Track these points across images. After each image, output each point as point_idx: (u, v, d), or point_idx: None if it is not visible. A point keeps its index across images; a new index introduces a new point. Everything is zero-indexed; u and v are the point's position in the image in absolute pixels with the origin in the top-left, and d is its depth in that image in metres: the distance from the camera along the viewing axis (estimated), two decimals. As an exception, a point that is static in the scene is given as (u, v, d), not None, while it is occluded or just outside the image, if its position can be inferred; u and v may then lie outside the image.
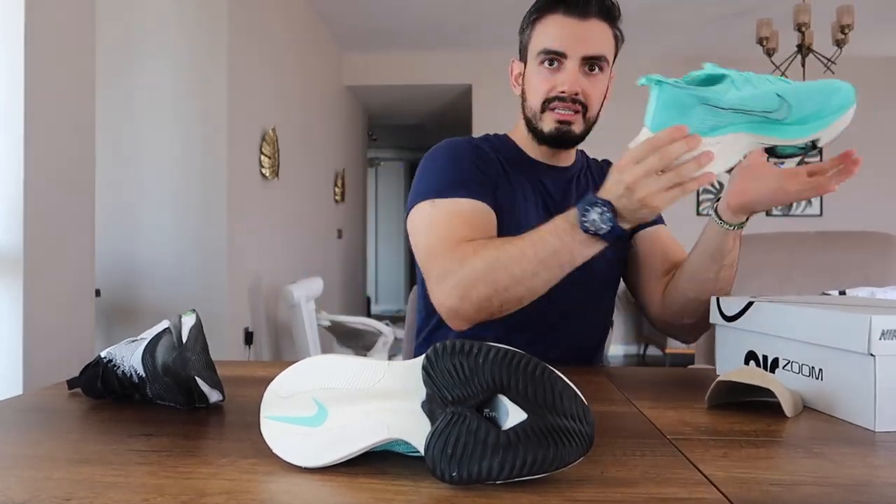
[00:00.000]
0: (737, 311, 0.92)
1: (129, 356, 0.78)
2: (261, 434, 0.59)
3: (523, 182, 1.19)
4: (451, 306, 0.97)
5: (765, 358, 0.87)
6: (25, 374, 1.56)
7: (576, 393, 0.53)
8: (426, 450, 0.52)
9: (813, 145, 0.81)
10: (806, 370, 0.80)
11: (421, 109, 7.27)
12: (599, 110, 1.17)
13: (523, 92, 1.18)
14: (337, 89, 5.74)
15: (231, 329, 3.16)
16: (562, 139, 1.14)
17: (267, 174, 3.61)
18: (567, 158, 1.25)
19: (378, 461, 0.57)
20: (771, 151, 0.82)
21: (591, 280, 1.15)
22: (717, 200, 1.04)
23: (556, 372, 0.53)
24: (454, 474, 0.51)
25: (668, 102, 0.78)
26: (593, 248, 0.89)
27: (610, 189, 0.83)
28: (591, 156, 1.36)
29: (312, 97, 4.79)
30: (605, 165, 1.33)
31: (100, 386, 0.79)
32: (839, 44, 4.22)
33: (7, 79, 1.56)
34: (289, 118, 4.10)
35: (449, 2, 4.68)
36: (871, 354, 0.70)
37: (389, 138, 9.08)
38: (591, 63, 1.11)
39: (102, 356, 0.80)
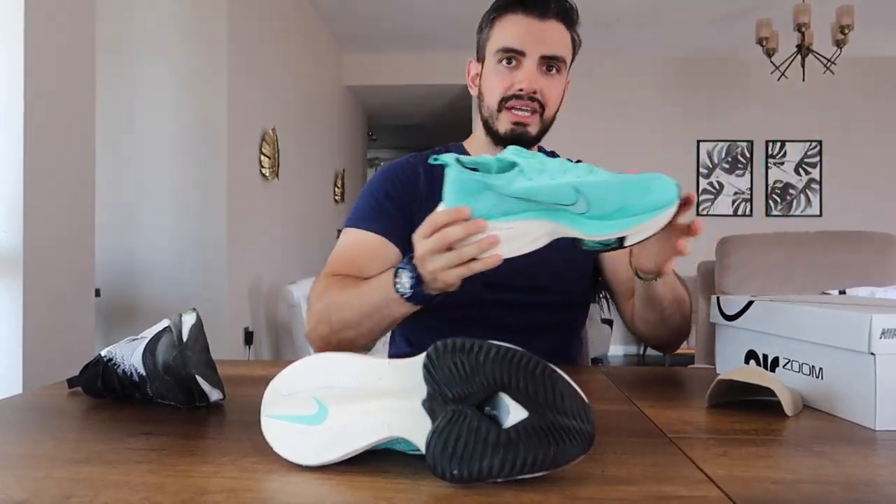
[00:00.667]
0: (737, 310, 0.92)
1: (129, 355, 0.78)
2: (261, 433, 0.59)
3: None
4: (306, 333, 1.06)
5: (765, 357, 0.87)
6: (25, 373, 1.56)
7: (577, 391, 0.53)
8: (427, 448, 0.52)
9: (620, 243, 0.75)
10: (806, 369, 0.80)
11: (421, 109, 7.28)
12: (556, 112, 1.16)
13: (480, 93, 1.17)
14: (337, 89, 5.74)
15: (231, 329, 3.16)
16: (517, 140, 1.12)
17: (267, 174, 3.61)
18: None
19: (379, 460, 0.57)
20: (576, 240, 0.77)
21: (557, 297, 1.18)
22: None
23: (558, 370, 0.53)
24: (455, 472, 0.51)
25: (458, 184, 0.75)
26: (407, 307, 0.89)
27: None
28: (571, 158, 1.34)
29: (312, 97, 4.79)
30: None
31: (100, 385, 0.79)
32: (839, 44, 4.22)
33: (7, 78, 1.56)
34: (289, 118, 4.10)
35: (449, 2, 4.68)
36: (872, 353, 0.70)
37: (389, 138, 9.08)
38: (549, 63, 1.11)
39: (103, 355, 0.80)
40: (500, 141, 1.14)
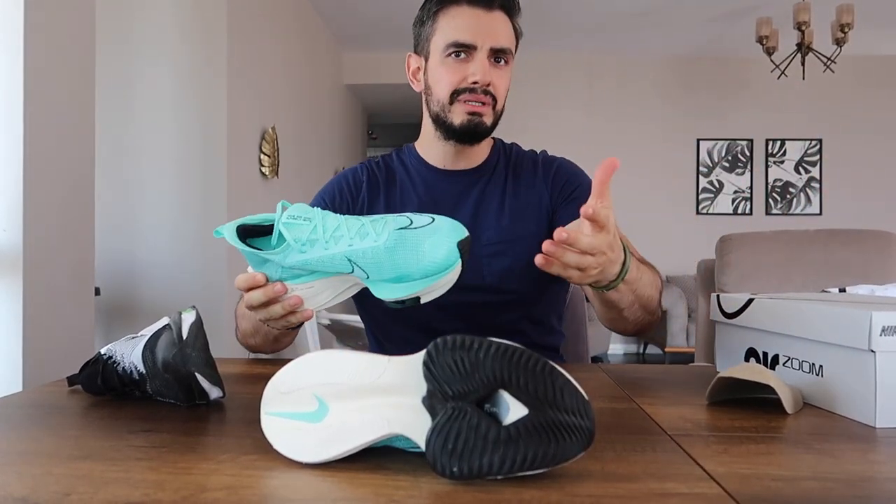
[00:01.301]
0: (737, 308, 0.92)
1: (129, 353, 0.78)
2: (261, 430, 0.59)
3: (412, 198, 1.19)
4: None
5: (765, 354, 0.87)
6: (25, 371, 1.56)
7: (577, 388, 0.53)
8: (427, 445, 0.52)
9: (416, 301, 0.74)
10: (806, 366, 0.80)
11: (420, 108, 7.28)
12: (504, 101, 1.15)
13: (427, 87, 1.15)
14: (336, 88, 5.74)
15: (230, 326, 3.15)
16: (474, 131, 1.12)
17: (267, 173, 3.61)
18: (474, 158, 1.20)
19: (379, 457, 0.57)
20: None
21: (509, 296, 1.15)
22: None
23: (558, 367, 0.53)
24: (455, 469, 0.51)
25: (245, 254, 0.77)
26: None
27: None
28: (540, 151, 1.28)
29: (312, 96, 4.79)
30: (541, 157, 1.25)
31: (100, 383, 0.79)
32: (839, 43, 4.22)
33: (7, 77, 1.56)
34: (288, 117, 4.10)
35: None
36: (872, 351, 0.70)
37: (388, 137, 9.08)
38: (498, 55, 1.10)
39: (102, 353, 0.80)
40: (455, 134, 1.13)
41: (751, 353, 0.90)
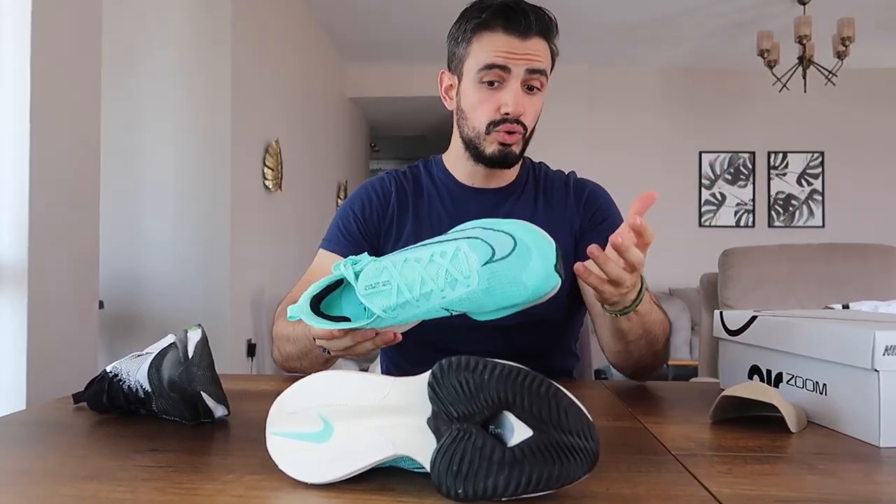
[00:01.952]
0: (740, 325, 0.93)
1: (134, 371, 0.78)
2: (266, 450, 0.59)
3: (440, 212, 1.18)
4: (272, 353, 1.11)
5: (768, 372, 0.88)
6: (29, 385, 1.56)
7: (581, 409, 0.53)
8: (432, 466, 0.52)
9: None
10: (810, 385, 0.80)
11: (423, 121, 7.30)
12: (535, 126, 1.14)
13: (460, 110, 1.14)
14: (340, 101, 5.77)
15: (234, 341, 3.16)
16: (504, 161, 1.12)
17: (270, 186, 3.62)
18: (503, 178, 1.21)
19: (384, 477, 0.57)
20: None
21: (533, 325, 1.11)
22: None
23: (562, 389, 0.53)
24: (460, 491, 0.51)
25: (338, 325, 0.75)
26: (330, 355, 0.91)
27: None
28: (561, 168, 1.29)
29: (315, 109, 4.81)
30: (572, 179, 1.25)
31: (105, 401, 0.79)
32: (840, 56, 4.24)
33: (13, 91, 1.57)
34: (292, 130, 4.12)
35: (451, 15, 4.69)
36: (875, 370, 0.70)
37: (392, 149, 9.11)
38: (532, 80, 1.08)
39: (108, 371, 0.80)
40: (486, 161, 1.13)
41: (754, 371, 0.90)
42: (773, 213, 5.98)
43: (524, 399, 0.52)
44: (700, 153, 6.00)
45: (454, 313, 0.69)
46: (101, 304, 2.50)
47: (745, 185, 5.99)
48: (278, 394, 0.61)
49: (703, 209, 6.00)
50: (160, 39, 3.02)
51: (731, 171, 5.99)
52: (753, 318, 0.90)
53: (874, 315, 0.97)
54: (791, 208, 5.97)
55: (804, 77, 4.51)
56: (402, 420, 0.56)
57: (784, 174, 5.97)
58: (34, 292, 1.59)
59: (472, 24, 1.11)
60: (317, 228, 4.80)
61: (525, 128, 1.10)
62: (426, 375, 0.55)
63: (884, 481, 0.59)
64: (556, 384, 0.53)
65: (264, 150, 3.59)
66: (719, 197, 6.00)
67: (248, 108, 3.30)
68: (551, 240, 0.67)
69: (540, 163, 1.27)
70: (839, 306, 1.69)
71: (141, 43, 3.01)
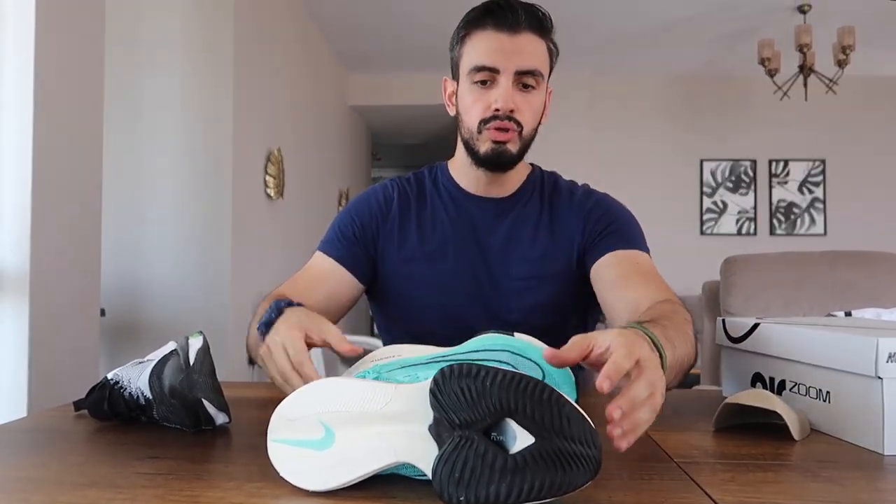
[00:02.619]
0: (743, 332, 0.92)
1: (135, 378, 0.78)
2: (267, 456, 0.59)
3: (443, 219, 1.18)
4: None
5: (771, 380, 0.87)
6: (30, 392, 1.55)
7: (583, 416, 0.52)
8: (434, 473, 0.52)
9: None
10: (813, 392, 0.80)
11: (425, 129, 7.32)
12: (537, 127, 1.13)
13: (458, 113, 1.14)
14: (342, 110, 5.78)
15: (235, 348, 3.16)
16: (498, 160, 1.10)
17: (272, 194, 3.63)
18: (507, 186, 1.18)
19: (385, 484, 0.57)
20: None
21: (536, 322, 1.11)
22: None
23: (564, 395, 0.52)
24: (462, 498, 0.50)
25: None
26: None
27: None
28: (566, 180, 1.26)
29: (317, 117, 4.82)
30: (579, 191, 1.21)
31: (106, 408, 0.79)
32: (841, 64, 4.25)
33: (16, 99, 1.58)
34: (294, 138, 4.13)
35: (453, 24, 4.72)
36: (879, 377, 0.69)
37: (393, 158, 9.12)
38: (526, 78, 1.07)
39: (109, 378, 0.80)
40: (482, 162, 1.12)
41: (757, 378, 0.90)
42: (774, 221, 5.97)
43: (526, 406, 0.52)
44: (701, 161, 6.00)
45: None
46: (102, 312, 2.51)
47: (747, 193, 5.98)
48: (279, 401, 0.61)
49: (705, 217, 5.99)
50: (162, 48, 3.03)
51: (733, 179, 5.99)
52: (756, 326, 0.90)
53: (877, 322, 0.97)
54: (793, 216, 5.96)
55: (805, 85, 4.51)
56: (404, 427, 0.55)
57: (785, 182, 5.97)
58: (36, 299, 1.59)
59: (463, 24, 1.12)
60: (318, 236, 4.80)
61: (521, 125, 1.08)
62: (427, 382, 0.55)
63: (888, 489, 0.59)
64: (557, 391, 0.53)
65: (266, 158, 3.60)
66: (721, 205, 5.99)
67: (249, 117, 3.31)
68: (571, 374, 0.70)
69: (552, 172, 1.26)
70: (842, 314, 1.68)
71: (143, 52, 3.02)
